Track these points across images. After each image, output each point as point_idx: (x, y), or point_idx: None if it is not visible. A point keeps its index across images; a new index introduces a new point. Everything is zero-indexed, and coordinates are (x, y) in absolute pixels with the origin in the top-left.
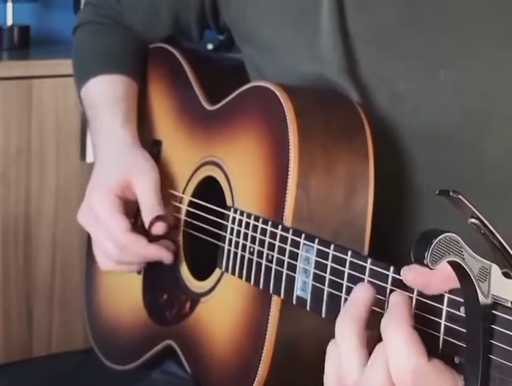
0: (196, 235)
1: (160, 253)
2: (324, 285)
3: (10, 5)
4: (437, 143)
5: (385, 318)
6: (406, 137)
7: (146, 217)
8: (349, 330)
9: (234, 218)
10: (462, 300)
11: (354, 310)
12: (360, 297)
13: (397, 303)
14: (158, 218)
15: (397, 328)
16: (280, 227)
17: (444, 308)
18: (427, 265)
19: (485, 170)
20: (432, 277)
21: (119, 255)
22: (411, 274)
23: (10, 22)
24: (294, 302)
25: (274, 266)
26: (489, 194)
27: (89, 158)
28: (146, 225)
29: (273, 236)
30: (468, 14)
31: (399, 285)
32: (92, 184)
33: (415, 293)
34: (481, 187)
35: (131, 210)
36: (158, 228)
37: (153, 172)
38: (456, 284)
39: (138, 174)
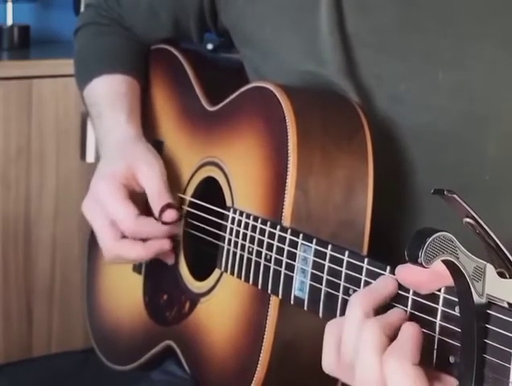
0: (195, 235)
1: (171, 230)
2: (322, 285)
3: (10, 5)
4: (436, 144)
5: (392, 346)
6: (405, 138)
7: (155, 205)
8: (360, 307)
9: (234, 218)
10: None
11: (371, 294)
12: (382, 286)
13: (407, 336)
14: (167, 206)
15: (402, 363)
16: (278, 227)
17: (440, 307)
18: (421, 264)
19: (485, 170)
20: (424, 277)
21: (115, 249)
22: (404, 273)
23: (10, 22)
24: (291, 302)
25: (272, 266)
26: (488, 194)
27: (89, 158)
28: (156, 213)
29: (271, 236)
30: (467, 15)
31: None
32: (97, 175)
33: (411, 292)
34: (481, 187)
35: (137, 201)
36: (169, 216)
37: (157, 162)
38: (448, 282)
39: (143, 164)
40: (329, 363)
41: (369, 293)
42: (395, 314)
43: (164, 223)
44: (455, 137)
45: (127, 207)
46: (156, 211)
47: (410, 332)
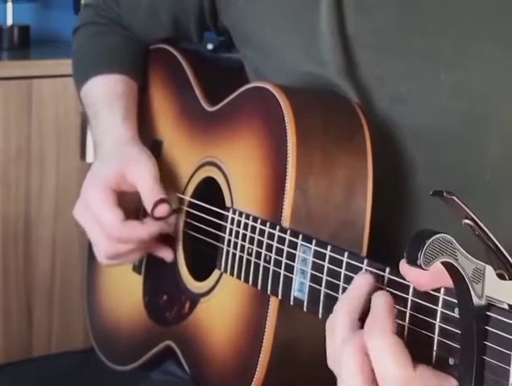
0: (195, 235)
1: (160, 227)
2: (321, 286)
3: (10, 5)
4: (437, 144)
5: (369, 322)
6: (406, 139)
7: (147, 202)
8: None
9: (233, 219)
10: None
11: (354, 300)
12: (360, 286)
13: (380, 306)
14: (160, 201)
15: (382, 335)
16: (278, 228)
17: (439, 309)
18: (420, 266)
19: (485, 170)
20: (425, 277)
21: (112, 249)
22: (406, 269)
23: (10, 22)
24: (291, 303)
25: (271, 267)
26: (489, 194)
27: (89, 158)
28: (149, 209)
29: (271, 236)
30: (468, 15)
31: (395, 286)
32: (88, 179)
33: (410, 294)
34: (481, 188)
35: (131, 203)
36: (161, 210)
37: (149, 161)
38: (449, 281)
39: (135, 164)
40: (329, 361)
41: (347, 296)
42: (359, 295)
43: (157, 218)
44: (455, 138)
45: (114, 213)
46: (149, 207)
47: (380, 304)
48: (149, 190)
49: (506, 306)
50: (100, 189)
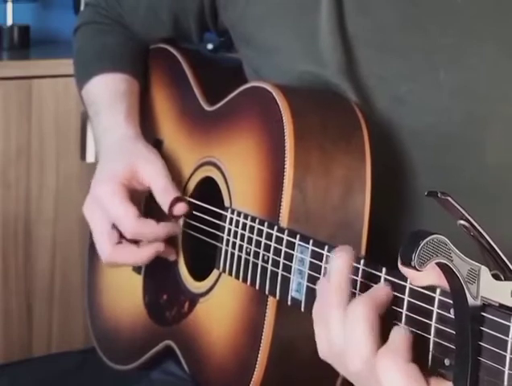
0: (194, 235)
1: (174, 227)
2: None
3: (10, 5)
4: (437, 145)
5: (383, 352)
6: (405, 139)
7: (164, 201)
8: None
9: (231, 219)
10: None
11: (338, 280)
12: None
13: (397, 340)
14: (177, 199)
15: (396, 363)
16: (276, 227)
17: (435, 310)
18: (414, 267)
19: (485, 171)
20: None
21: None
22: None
23: (10, 22)
24: (289, 303)
25: (269, 267)
26: (489, 196)
27: (89, 158)
28: (165, 209)
29: (269, 237)
30: (468, 14)
31: (391, 286)
32: (97, 177)
33: (406, 294)
34: (481, 189)
35: (138, 200)
36: (180, 209)
37: (158, 160)
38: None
39: (144, 163)
40: (322, 351)
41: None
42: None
43: (174, 216)
44: (455, 138)
45: (128, 208)
46: (165, 206)
47: (399, 340)
48: (164, 190)
49: (501, 307)
50: (111, 185)
